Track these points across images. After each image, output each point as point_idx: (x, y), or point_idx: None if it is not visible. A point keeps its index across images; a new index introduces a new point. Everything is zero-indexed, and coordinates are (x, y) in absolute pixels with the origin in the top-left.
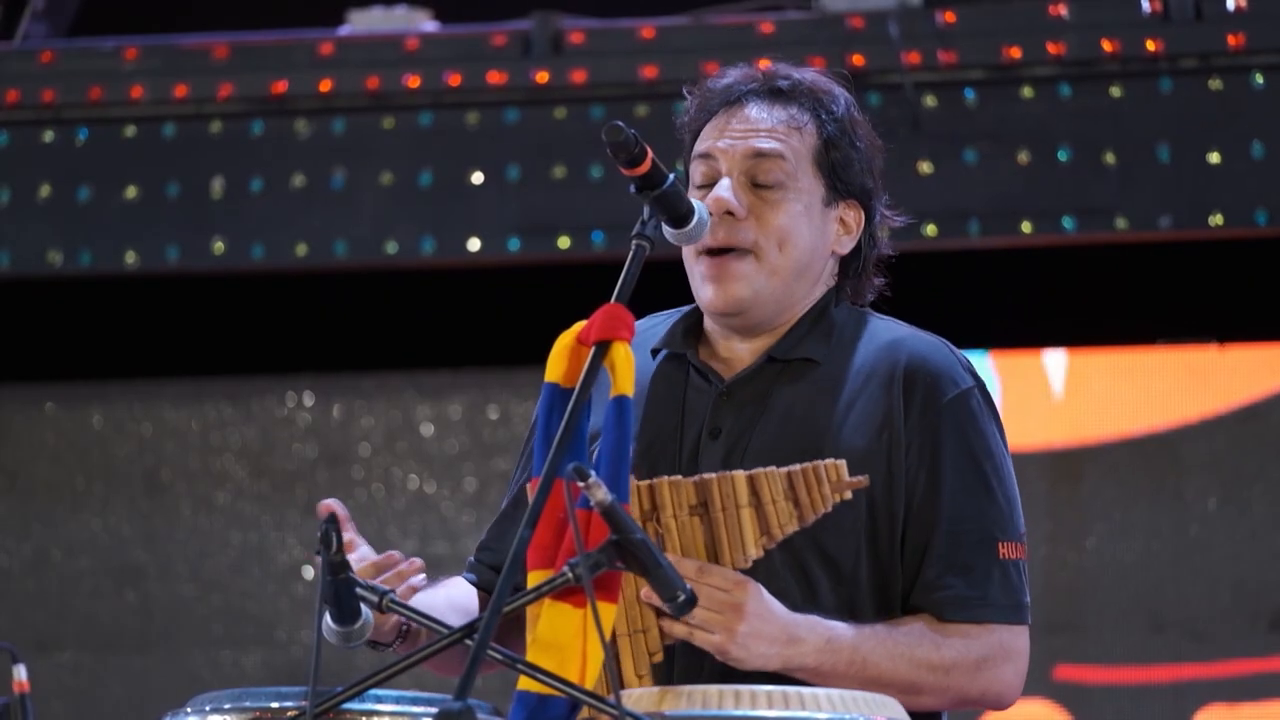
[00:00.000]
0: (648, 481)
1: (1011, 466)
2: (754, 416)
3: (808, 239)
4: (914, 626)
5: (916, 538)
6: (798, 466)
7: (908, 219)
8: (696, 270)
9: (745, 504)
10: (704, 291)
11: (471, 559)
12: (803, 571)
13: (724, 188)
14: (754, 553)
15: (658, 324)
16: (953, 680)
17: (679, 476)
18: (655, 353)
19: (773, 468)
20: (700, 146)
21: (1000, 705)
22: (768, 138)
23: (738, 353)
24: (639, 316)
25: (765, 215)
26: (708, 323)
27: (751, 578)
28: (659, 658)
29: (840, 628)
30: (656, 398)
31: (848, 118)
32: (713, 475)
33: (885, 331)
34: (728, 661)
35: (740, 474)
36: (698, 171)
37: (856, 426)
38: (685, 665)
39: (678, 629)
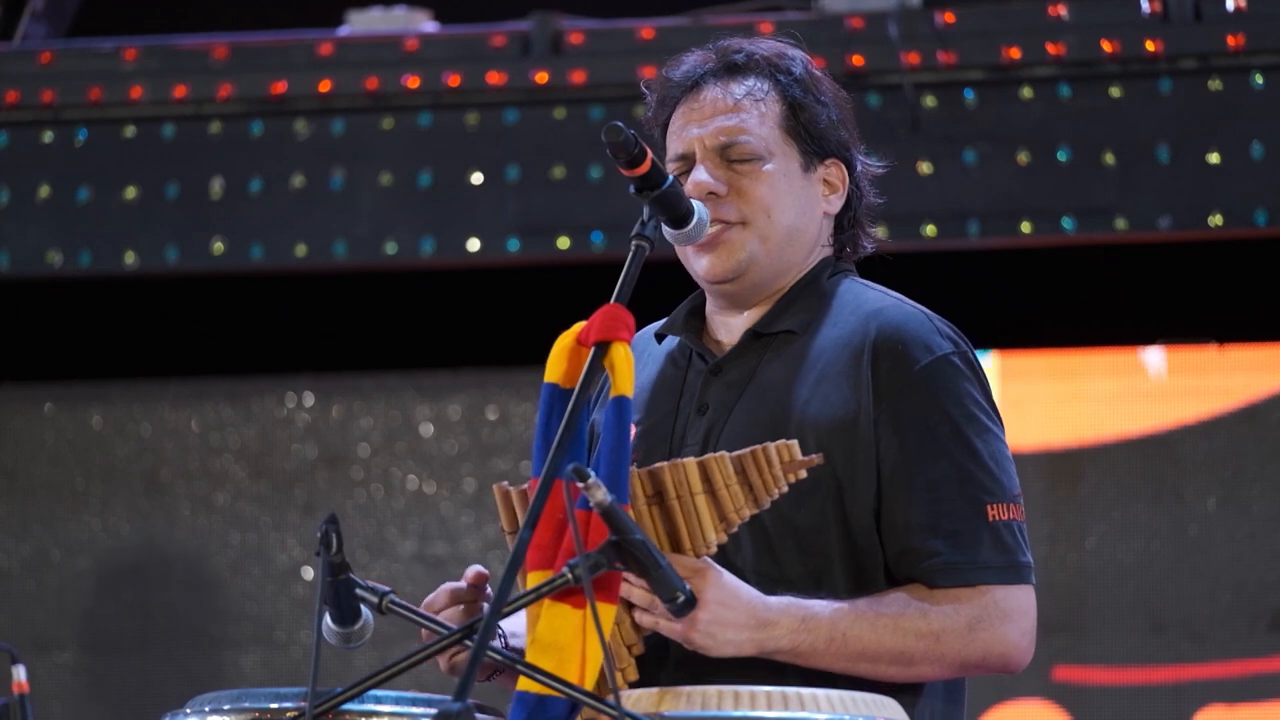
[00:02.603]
0: None
1: (1001, 430)
2: (738, 392)
3: (793, 205)
4: (899, 596)
5: (894, 508)
6: (747, 450)
7: (887, 164)
8: (689, 249)
9: (699, 490)
10: (699, 264)
11: None
12: (767, 543)
13: (701, 172)
14: (714, 539)
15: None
16: (946, 646)
17: (633, 466)
18: (661, 339)
19: (723, 452)
20: (672, 146)
21: (1008, 667)
22: (732, 116)
23: (731, 331)
24: (638, 316)
25: (746, 188)
26: (708, 305)
27: (714, 562)
28: (638, 649)
29: (817, 605)
30: (661, 381)
31: (807, 77)
32: (664, 464)
33: (868, 301)
34: (696, 650)
35: (691, 461)
36: (672, 167)
37: (826, 398)
38: (659, 656)
39: (645, 619)
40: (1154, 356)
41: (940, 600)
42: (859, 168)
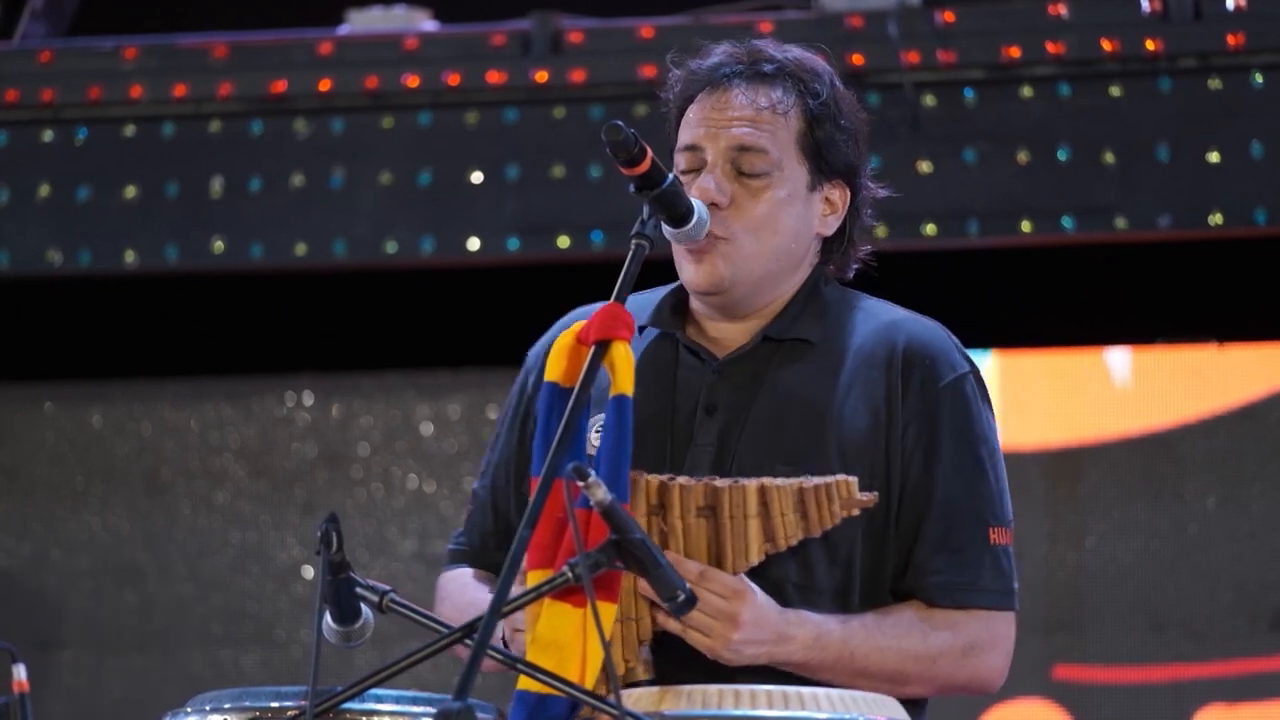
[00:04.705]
0: (659, 479)
1: (1001, 454)
2: (751, 393)
3: (789, 225)
4: (903, 616)
5: (910, 519)
6: (809, 482)
7: (891, 190)
8: (679, 249)
9: (754, 514)
10: (685, 270)
11: (456, 547)
12: (806, 557)
13: (708, 179)
14: (756, 559)
15: (642, 299)
16: (939, 669)
17: (690, 479)
18: (642, 330)
19: (782, 480)
20: (685, 136)
21: (986, 690)
22: (751, 127)
23: (729, 333)
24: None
25: (747, 204)
26: (694, 302)
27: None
28: (648, 640)
29: (830, 623)
30: (645, 375)
31: (831, 97)
32: (725, 483)
33: (882, 313)
34: (718, 660)
35: (751, 484)
36: (682, 159)
37: (856, 408)
38: (673, 655)
39: (672, 625)
40: (1054, 359)
41: (939, 623)
42: (862, 192)
